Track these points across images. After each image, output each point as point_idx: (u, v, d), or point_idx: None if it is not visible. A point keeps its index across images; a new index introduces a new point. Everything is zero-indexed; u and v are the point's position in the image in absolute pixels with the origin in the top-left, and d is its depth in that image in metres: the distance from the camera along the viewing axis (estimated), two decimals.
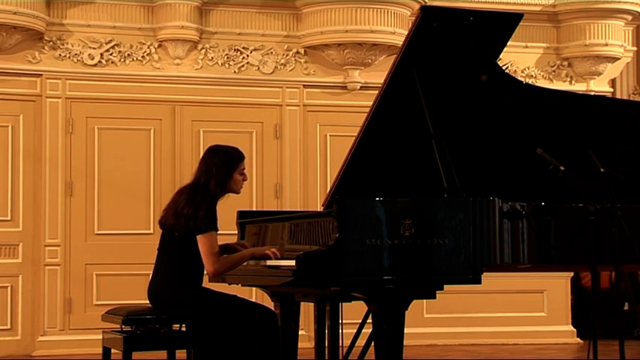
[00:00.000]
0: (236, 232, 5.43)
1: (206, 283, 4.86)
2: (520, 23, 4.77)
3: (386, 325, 4.21)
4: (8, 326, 7.93)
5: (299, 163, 8.48)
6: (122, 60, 8.21)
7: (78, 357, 7.67)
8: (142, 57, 8.24)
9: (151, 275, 4.81)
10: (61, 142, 8.04)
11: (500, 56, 4.91)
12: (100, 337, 4.88)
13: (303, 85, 8.56)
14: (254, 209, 7.96)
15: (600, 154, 4.78)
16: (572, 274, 8.88)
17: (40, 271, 7.97)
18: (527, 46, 8.99)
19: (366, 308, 4.50)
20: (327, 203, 5.18)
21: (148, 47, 8.24)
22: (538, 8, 8.96)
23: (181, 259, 4.70)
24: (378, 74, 7.73)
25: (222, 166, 4.74)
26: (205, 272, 4.80)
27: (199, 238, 4.62)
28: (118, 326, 4.67)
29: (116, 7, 8.20)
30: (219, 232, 4.68)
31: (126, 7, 8.22)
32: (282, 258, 4.63)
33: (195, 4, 8.22)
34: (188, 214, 4.63)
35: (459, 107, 4.82)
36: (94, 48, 8.15)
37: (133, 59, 8.23)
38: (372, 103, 4.84)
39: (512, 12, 5.11)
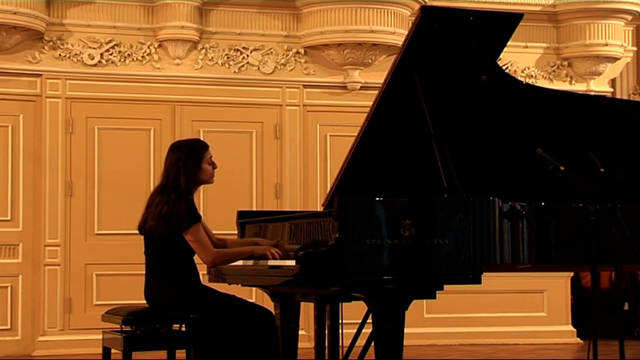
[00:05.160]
0: (236, 232, 5.42)
1: (207, 283, 4.85)
2: (520, 23, 4.77)
3: (386, 325, 4.21)
4: (8, 326, 7.93)
5: (299, 163, 8.48)
6: (122, 60, 8.20)
7: (78, 357, 7.67)
8: (142, 57, 8.24)
9: (144, 280, 4.81)
10: (61, 142, 8.04)
11: (500, 56, 4.91)
12: (100, 337, 4.87)
13: (303, 85, 8.55)
14: (254, 209, 7.96)
15: (600, 154, 4.78)
16: (572, 274, 8.88)
17: (40, 271, 7.96)
18: (527, 46, 8.99)
19: (366, 308, 4.50)
20: (327, 203, 5.18)
21: (148, 47, 8.24)
22: (538, 8, 8.96)
23: (168, 260, 4.68)
24: (378, 74, 7.73)
25: (188, 160, 4.70)
26: (207, 271, 4.78)
27: (186, 235, 4.62)
28: (118, 326, 4.67)
29: (116, 7, 8.20)
30: (219, 231, 4.67)
31: (126, 7, 8.22)
32: (282, 258, 4.63)
33: (195, 4, 8.22)
34: (167, 213, 4.61)
35: (459, 107, 4.81)
36: (94, 48, 8.15)
37: (133, 59, 8.22)
38: (372, 103, 4.84)
39: (512, 12, 5.11)
